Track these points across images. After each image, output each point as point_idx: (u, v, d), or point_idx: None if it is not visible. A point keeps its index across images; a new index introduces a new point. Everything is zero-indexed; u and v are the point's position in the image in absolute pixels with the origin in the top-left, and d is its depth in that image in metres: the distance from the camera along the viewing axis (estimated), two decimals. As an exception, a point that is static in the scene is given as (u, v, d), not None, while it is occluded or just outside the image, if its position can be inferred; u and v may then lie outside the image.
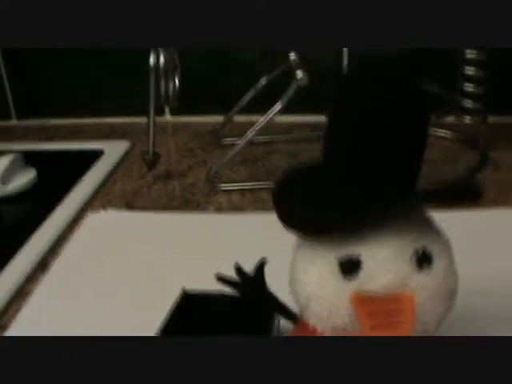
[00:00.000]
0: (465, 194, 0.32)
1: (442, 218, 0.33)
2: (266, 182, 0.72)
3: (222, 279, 0.40)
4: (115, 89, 0.96)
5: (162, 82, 0.73)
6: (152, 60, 0.72)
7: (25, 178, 0.78)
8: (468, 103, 0.74)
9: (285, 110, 0.70)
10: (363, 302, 0.30)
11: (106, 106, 0.99)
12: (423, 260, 0.31)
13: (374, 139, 0.30)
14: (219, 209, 0.68)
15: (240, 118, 0.86)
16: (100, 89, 0.97)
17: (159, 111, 0.82)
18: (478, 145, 0.77)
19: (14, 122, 1.03)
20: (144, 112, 0.77)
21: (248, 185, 0.72)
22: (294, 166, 0.33)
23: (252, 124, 0.71)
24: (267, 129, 0.72)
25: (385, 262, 0.30)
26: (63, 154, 0.88)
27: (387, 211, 0.30)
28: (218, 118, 0.89)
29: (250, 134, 0.69)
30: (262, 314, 0.41)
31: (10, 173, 0.77)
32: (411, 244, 0.31)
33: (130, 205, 0.71)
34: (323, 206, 0.30)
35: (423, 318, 0.30)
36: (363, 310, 0.29)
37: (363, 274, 0.30)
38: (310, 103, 0.75)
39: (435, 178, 0.70)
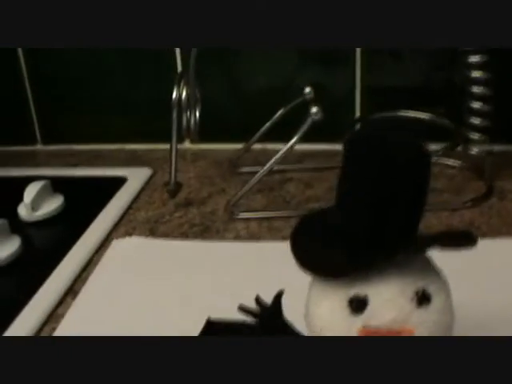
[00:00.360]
0: (461, 240, 0.35)
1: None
2: (282, 211, 0.76)
3: (243, 309, 0.45)
4: (138, 117, 1.01)
5: (184, 117, 0.78)
6: (175, 95, 0.76)
7: (53, 204, 0.83)
8: (474, 135, 0.78)
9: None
10: (369, 333, 0.34)
11: (127, 133, 1.03)
12: (423, 299, 0.35)
13: (382, 193, 0.34)
14: (237, 236, 0.72)
15: (256, 147, 0.90)
16: (123, 116, 1.02)
17: (180, 139, 0.86)
18: (483, 174, 0.81)
19: (39, 146, 1.08)
20: (164, 139, 0.81)
21: (264, 214, 0.76)
22: (309, 212, 0.37)
23: (267, 152, 0.75)
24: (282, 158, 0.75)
25: (389, 301, 0.34)
26: (88, 180, 0.93)
27: (392, 257, 0.34)
28: (235, 146, 0.93)
29: (266, 167, 0.73)
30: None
31: (39, 199, 0.81)
32: (412, 284, 0.35)
33: (153, 231, 0.75)
34: (335, 252, 0.34)
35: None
36: (369, 343, 0.33)
37: (369, 310, 0.34)
38: (323, 133, 0.79)
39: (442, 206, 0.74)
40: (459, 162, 0.85)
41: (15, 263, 0.71)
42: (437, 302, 0.35)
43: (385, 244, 0.34)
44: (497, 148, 0.83)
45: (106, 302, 0.62)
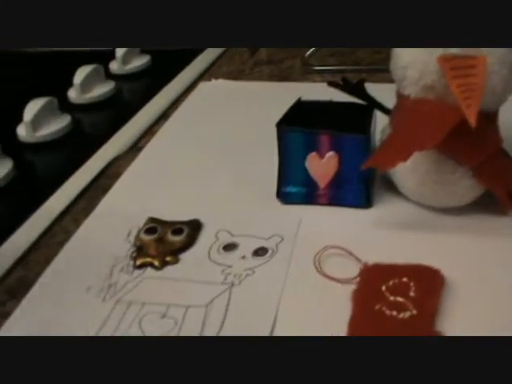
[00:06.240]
0: None
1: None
2: (354, 66, 0.83)
3: (332, 83, 0.52)
4: None
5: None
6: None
7: (105, 87, 0.83)
8: None
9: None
10: (447, 59, 0.40)
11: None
12: None
13: None
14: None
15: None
16: None
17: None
18: None
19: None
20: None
21: (339, 67, 0.83)
22: None
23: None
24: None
25: None
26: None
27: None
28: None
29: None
30: (364, 110, 0.51)
31: (89, 82, 0.81)
32: None
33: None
34: None
35: (492, 77, 0.41)
36: (447, 65, 0.40)
37: None
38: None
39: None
40: None
41: (69, 135, 0.73)
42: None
43: None
44: None
45: (189, 132, 0.68)
